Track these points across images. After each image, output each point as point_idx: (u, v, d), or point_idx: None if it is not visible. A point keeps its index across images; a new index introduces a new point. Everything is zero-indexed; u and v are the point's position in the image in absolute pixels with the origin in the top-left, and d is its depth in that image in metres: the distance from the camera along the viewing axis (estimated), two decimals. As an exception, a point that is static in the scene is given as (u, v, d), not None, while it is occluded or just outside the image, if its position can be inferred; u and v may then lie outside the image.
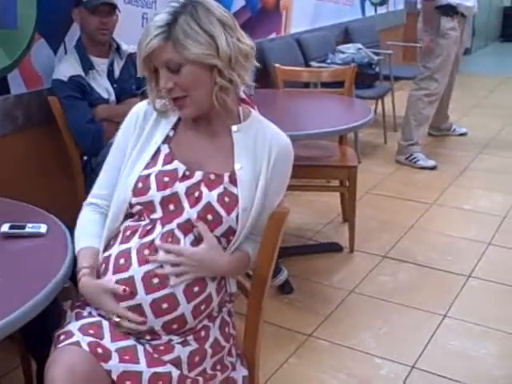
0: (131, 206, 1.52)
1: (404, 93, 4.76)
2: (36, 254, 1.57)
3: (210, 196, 1.48)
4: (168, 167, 1.51)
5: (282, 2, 4.71)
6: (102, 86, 2.77)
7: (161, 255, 1.45)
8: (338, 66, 4.54)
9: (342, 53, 4.88)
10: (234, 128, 1.54)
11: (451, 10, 4.21)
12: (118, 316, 1.45)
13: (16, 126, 2.75)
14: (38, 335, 1.71)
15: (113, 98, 2.79)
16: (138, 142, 1.56)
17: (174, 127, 1.57)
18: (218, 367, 1.52)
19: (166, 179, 1.49)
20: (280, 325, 2.59)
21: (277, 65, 3.59)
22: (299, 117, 3.04)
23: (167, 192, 1.48)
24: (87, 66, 2.73)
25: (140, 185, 1.50)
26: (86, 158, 2.77)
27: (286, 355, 2.41)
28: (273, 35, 4.65)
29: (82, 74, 2.70)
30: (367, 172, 4.17)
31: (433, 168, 4.42)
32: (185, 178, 1.50)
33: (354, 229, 3.22)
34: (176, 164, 1.51)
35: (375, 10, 6.33)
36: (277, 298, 2.79)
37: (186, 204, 1.48)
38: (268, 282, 1.60)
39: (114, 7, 2.73)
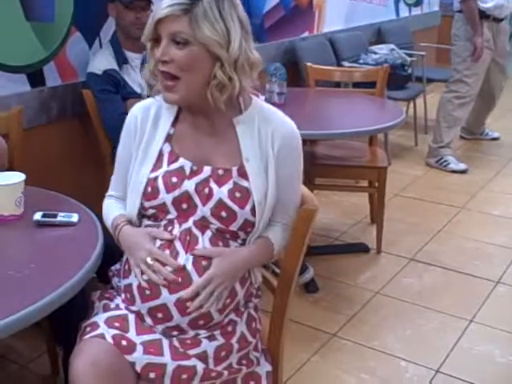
0: (145, 209, 1.52)
1: (436, 95, 4.71)
2: (67, 242, 1.59)
3: (220, 192, 1.46)
4: (174, 166, 1.49)
5: (316, 0, 4.69)
6: (135, 81, 2.80)
7: (198, 301, 1.43)
8: (370, 66, 4.51)
9: (375, 53, 4.84)
10: (236, 120, 1.51)
11: (479, 14, 4.15)
12: (154, 259, 1.44)
13: (50, 117, 2.79)
14: (65, 323, 1.74)
15: (145, 92, 2.81)
16: (141, 143, 1.54)
17: (173, 124, 1.54)
18: (244, 362, 1.53)
19: (174, 179, 1.48)
20: (304, 323, 2.59)
21: (309, 64, 3.58)
22: (330, 116, 3.04)
23: (177, 193, 1.47)
24: (121, 60, 2.76)
25: (149, 189, 1.49)
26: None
27: (309, 353, 2.41)
28: (305, 34, 4.64)
29: (116, 68, 2.73)
30: (397, 174, 4.14)
31: (463, 171, 4.37)
32: (193, 174, 1.48)
33: (381, 230, 3.20)
34: (181, 162, 1.49)
35: (409, 11, 6.27)
36: (301, 297, 2.78)
37: (197, 201, 1.47)
38: (295, 279, 1.61)
39: (149, 2, 2.75)
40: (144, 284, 1.46)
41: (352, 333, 2.55)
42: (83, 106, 2.79)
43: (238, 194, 1.46)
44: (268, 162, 1.49)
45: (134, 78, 2.80)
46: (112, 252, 1.61)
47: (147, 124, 1.55)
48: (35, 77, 2.72)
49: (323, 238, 3.36)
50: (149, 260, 1.45)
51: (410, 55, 4.96)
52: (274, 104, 2.86)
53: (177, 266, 1.44)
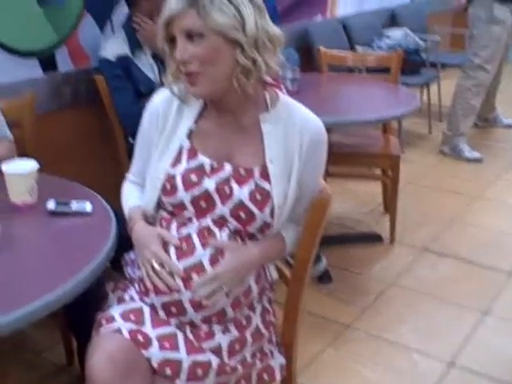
0: (163, 203, 1.48)
1: (451, 81, 4.64)
2: (81, 231, 1.58)
3: (241, 193, 1.42)
4: (193, 164, 1.45)
5: (329, -16, 4.62)
6: (148, 66, 2.76)
7: (202, 291, 1.41)
8: (383, 51, 4.45)
9: (388, 37, 4.77)
10: (262, 117, 1.45)
11: None
12: (160, 264, 1.42)
13: (63, 103, 2.77)
14: (80, 314, 1.71)
15: (157, 76, 2.78)
16: (162, 135, 1.49)
17: (196, 121, 1.49)
18: (258, 355, 1.51)
19: (194, 178, 1.44)
20: (318, 314, 2.56)
21: (321, 48, 3.52)
22: (343, 103, 2.99)
23: (196, 191, 1.43)
24: (134, 45, 2.72)
25: (168, 186, 1.45)
26: (131, 140, 2.76)
27: (323, 345, 2.39)
28: (318, 17, 4.57)
29: (129, 54, 2.70)
30: (410, 162, 4.09)
31: (478, 160, 4.31)
32: (213, 171, 1.44)
33: (395, 220, 3.17)
34: (201, 159, 1.45)
35: (424, -5, 6.16)
36: (315, 288, 2.76)
37: (217, 200, 1.44)
38: (308, 270, 1.58)
39: None
40: (149, 285, 1.44)
41: (366, 324, 2.53)
42: (96, 92, 2.75)
43: (258, 197, 1.42)
44: (292, 164, 1.45)
45: (146, 63, 2.76)
46: (126, 239, 1.59)
47: (169, 117, 1.50)
48: (47, 62, 2.69)
49: (336, 226, 3.33)
50: (154, 263, 1.43)
51: (424, 40, 4.88)
52: (287, 91, 2.87)
53: (180, 272, 1.41)
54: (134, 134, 2.67)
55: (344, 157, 3.09)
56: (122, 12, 2.87)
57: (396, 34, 4.80)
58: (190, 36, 1.34)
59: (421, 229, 3.35)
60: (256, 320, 1.52)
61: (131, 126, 2.68)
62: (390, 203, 3.23)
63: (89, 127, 2.90)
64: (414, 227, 3.36)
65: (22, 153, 2.25)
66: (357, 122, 2.84)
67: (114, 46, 2.70)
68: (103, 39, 2.84)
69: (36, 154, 2.33)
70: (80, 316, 1.68)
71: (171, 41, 1.39)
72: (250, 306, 1.52)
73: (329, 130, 3.29)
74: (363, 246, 3.18)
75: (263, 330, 1.53)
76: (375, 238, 3.23)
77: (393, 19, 5.41)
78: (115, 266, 1.79)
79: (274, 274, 1.58)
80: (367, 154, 3.16)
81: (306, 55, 4.06)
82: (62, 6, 2.70)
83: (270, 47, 1.37)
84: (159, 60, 2.78)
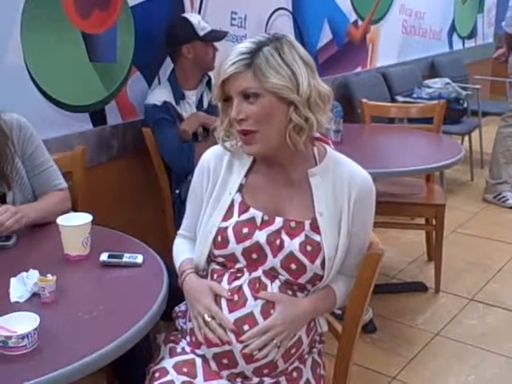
0: (214, 256, 1.51)
1: (492, 128, 4.62)
2: (132, 284, 1.60)
3: (291, 245, 1.44)
4: (244, 217, 1.48)
5: (369, 35, 4.70)
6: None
7: (253, 344, 1.42)
8: (424, 100, 4.47)
9: (429, 87, 4.80)
10: (311, 172, 1.48)
11: None
12: (211, 317, 1.44)
13: (111, 154, 2.85)
14: (128, 366, 1.74)
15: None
16: (214, 190, 1.53)
17: (246, 175, 1.53)
18: (308, 409, 1.50)
19: (245, 230, 1.46)
20: (363, 365, 2.53)
21: (364, 100, 3.57)
22: (387, 154, 3.01)
23: (247, 243, 1.46)
24: (179, 96, 2.82)
25: (219, 238, 1.48)
26: (177, 191, 2.82)
27: (369, 397, 2.35)
28: (358, 69, 4.64)
29: (174, 103, 2.79)
30: (453, 210, 4.05)
31: (522, 208, 4.26)
32: (264, 224, 1.47)
33: (440, 269, 3.13)
34: (252, 212, 1.48)
35: (463, 44, 6.21)
36: (359, 338, 2.70)
37: (268, 252, 1.46)
38: (359, 325, 1.58)
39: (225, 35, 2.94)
40: (200, 337, 1.46)
41: (412, 376, 2.48)
42: (143, 144, 2.84)
43: (309, 248, 1.44)
44: (341, 216, 1.47)
45: (190, 113, 2.84)
46: (176, 291, 1.61)
47: (220, 172, 1.54)
48: (97, 116, 2.79)
49: (380, 275, 3.24)
50: (206, 317, 1.45)
51: (465, 88, 4.90)
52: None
53: (230, 326, 1.43)
54: (182, 171, 2.75)
55: (388, 206, 3.07)
56: (169, 68, 2.97)
57: (437, 84, 4.82)
58: (245, 96, 1.39)
59: (466, 278, 3.30)
60: (307, 373, 1.52)
61: (181, 163, 2.74)
62: (434, 252, 3.20)
63: (135, 177, 2.98)
64: (460, 276, 3.31)
65: (73, 204, 2.34)
66: (402, 172, 2.85)
67: (161, 94, 2.80)
68: (150, 90, 2.94)
69: (86, 205, 2.42)
70: (128, 368, 1.71)
71: (225, 99, 1.44)
72: (301, 358, 1.52)
73: (371, 178, 3.32)
74: (408, 295, 3.14)
75: (313, 384, 1.53)
76: (420, 288, 3.19)
77: (432, 69, 5.46)
78: (166, 318, 1.82)
79: (325, 327, 1.58)
80: (411, 204, 3.14)
81: (347, 105, 4.11)
82: (113, 63, 2.81)
83: (320, 105, 1.41)
84: (201, 110, 2.87)
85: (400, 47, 5.12)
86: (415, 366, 2.56)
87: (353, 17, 4.47)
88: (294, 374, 1.49)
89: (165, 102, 2.76)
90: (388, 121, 3.98)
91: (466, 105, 4.80)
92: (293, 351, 1.47)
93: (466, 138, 4.95)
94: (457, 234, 3.84)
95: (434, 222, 3.14)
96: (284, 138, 1.41)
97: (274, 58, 1.38)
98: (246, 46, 1.41)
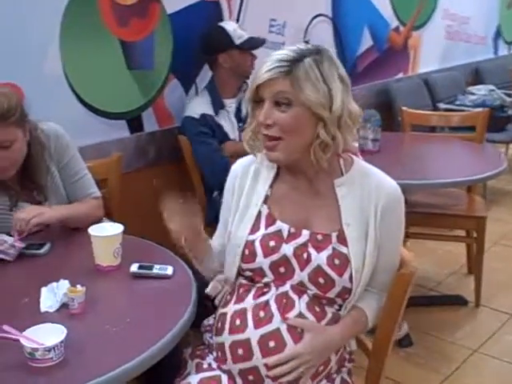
0: (242, 270, 1.49)
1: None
2: (161, 296, 1.60)
3: (319, 258, 1.42)
4: (271, 229, 1.46)
5: (411, 41, 4.62)
6: (230, 125, 2.83)
7: (280, 370, 1.39)
8: (467, 108, 4.38)
9: (473, 94, 4.70)
10: (337, 182, 1.46)
11: None
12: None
13: (147, 161, 2.87)
14: (156, 380, 1.73)
15: (236, 135, 2.83)
16: (239, 203, 1.52)
17: (271, 185, 1.52)
18: (336, 429, 1.47)
19: (272, 243, 1.45)
20: (397, 380, 2.47)
21: (404, 108, 3.50)
22: (427, 164, 2.93)
23: (275, 257, 1.44)
24: (218, 106, 2.80)
25: (247, 252, 1.47)
26: (213, 195, 2.81)
27: (402, 415, 2.30)
28: (400, 75, 4.57)
29: (213, 114, 2.77)
30: (496, 221, 3.93)
31: None
32: (291, 237, 1.45)
33: (480, 282, 3.04)
34: (279, 225, 1.46)
35: (509, 49, 6.06)
36: (393, 351, 2.60)
37: (296, 266, 1.44)
38: (391, 343, 1.54)
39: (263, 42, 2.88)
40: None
41: (449, 394, 2.42)
42: (178, 150, 2.84)
43: (336, 261, 1.42)
44: (368, 226, 1.44)
45: (229, 122, 2.83)
46: (205, 303, 1.60)
47: (246, 183, 1.53)
48: (134, 123, 2.81)
49: (417, 287, 3.22)
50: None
51: (510, 95, 4.77)
52: (367, 151, 2.87)
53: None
54: (217, 187, 2.75)
55: (427, 217, 3.01)
56: (206, 75, 2.97)
57: (480, 91, 4.71)
58: (277, 102, 1.38)
59: (508, 292, 3.20)
60: (334, 393, 1.49)
61: (216, 179, 2.74)
62: (475, 265, 3.12)
63: (170, 184, 2.97)
64: (501, 291, 3.21)
65: (108, 211, 2.36)
66: (442, 184, 2.76)
67: (199, 106, 2.79)
68: (187, 100, 2.94)
69: (121, 211, 2.43)
70: (156, 381, 1.70)
71: (257, 101, 1.42)
72: (329, 377, 1.49)
73: (409, 189, 3.25)
74: (446, 308, 3.07)
75: (342, 404, 1.49)
76: (459, 301, 3.11)
77: (476, 75, 5.34)
78: (193, 327, 1.81)
79: (353, 346, 1.54)
80: (451, 215, 3.06)
81: (387, 113, 4.05)
82: (151, 70, 2.82)
83: (350, 124, 1.40)
84: (239, 118, 2.86)
85: (443, 53, 5.02)
86: (452, 383, 2.49)
87: (394, 22, 4.40)
88: (321, 394, 1.46)
89: (203, 115, 2.75)
90: (429, 129, 3.90)
91: (510, 112, 4.67)
92: (320, 369, 1.44)
93: (511, 145, 4.81)
94: (499, 246, 3.73)
95: (474, 235, 3.06)
96: (308, 151, 1.39)
97: (313, 71, 1.36)
98: (285, 53, 1.39)
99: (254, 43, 2.82)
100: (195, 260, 1.53)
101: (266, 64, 1.39)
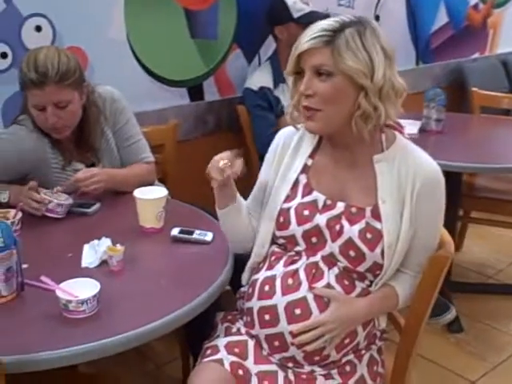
0: (276, 237, 1.51)
1: None
2: (198, 260, 1.63)
3: (351, 231, 1.41)
4: (307, 199, 1.47)
5: (491, 19, 4.42)
6: (288, 98, 2.81)
7: (305, 337, 1.40)
8: (548, 91, 4.16)
9: (555, 77, 4.45)
10: (376, 158, 1.45)
11: None
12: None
13: (206, 129, 2.90)
14: (197, 334, 1.77)
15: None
16: (279, 171, 1.53)
17: (312, 155, 1.52)
18: (361, 406, 1.47)
19: (306, 212, 1.45)
20: (442, 364, 2.43)
21: (474, 88, 3.36)
22: (491, 147, 2.81)
23: (307, 226, 1.45)
24: (279, 79, 2.78)
25: (281, 219, 1.48)
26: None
27: (443, 400, 2.26)
28: (476, 55, 4.39)
29: (271, 87, 2.76)
30: None
31: None
32: (325, 208, 1.45)
33: (542, 274, 2.93)
34: (315, 195, 1.47)
35: None
36: (443, 336, 2.62)
37: (327, 236, 1.44)
38: (422, 327, 1.52)
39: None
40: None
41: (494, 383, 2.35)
42: (237, 120, 2.85)
43: (368, 236, 1.41)
44: (404, 205, 1.42)
45: (287, 97, 2.81)
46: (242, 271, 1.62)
47: (287, 151, 1.54)
48: (195, 91, 2.84)
49: (475, 274, 3.14)
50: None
51: None
52: (430, 131, 2.80)
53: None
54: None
55: (491, 203, 2.91)
56: (270, 46, 2.95)
57: None
58: (318, 72, 1.37)
59: None
60: (362, 369, 1.48)
61: (265, 154, 2.75)
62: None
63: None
64: None
65: (164, 176, 2.41)
66: (505, 169, 2.66)
67: (259, 78, 2.79)
68: (250, 71, 2.94)
69: (175, 178, 2.48)
70: (197, 336, 1.74)
71: (299, 73, 1.42)
72: (357, 353, 1.49)
73: (475, 173, 3.12)
74: (504, 297, 2.96)
75: (369, 381, 1.48)
76: (518, 291, 3.01)
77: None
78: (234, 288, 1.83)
79: (383, 324, 1.53)
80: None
81: (459, 94, 3.91)
82: (214, 40, 2.84)
83: (392, 97, 1.38)
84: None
85: (526, 33, 4.78)
86: (498, 373, 2.42)
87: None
88: (347, 368, 1.46)
89: (261, 88, 2.74)
90: (504, 113, 3.73)
91: None
92: (346, 341, 1.44)
93: None
94: None
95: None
96: (349, 122, 1.38)
97: (354, 40, 1.35)
98: (328, 23, 1.38)
99: (313, 18, 2.73)
100: (218, 200, 1.55)
101: (308, 33, 1.38)
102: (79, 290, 1.37)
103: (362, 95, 1.36)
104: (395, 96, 1.38)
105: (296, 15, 2.72)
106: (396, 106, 1.40)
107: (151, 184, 2.06)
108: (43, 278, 1.42)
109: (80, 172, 1.92)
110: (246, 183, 2.82)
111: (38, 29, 2.30)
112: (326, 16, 2.77)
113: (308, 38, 1.37)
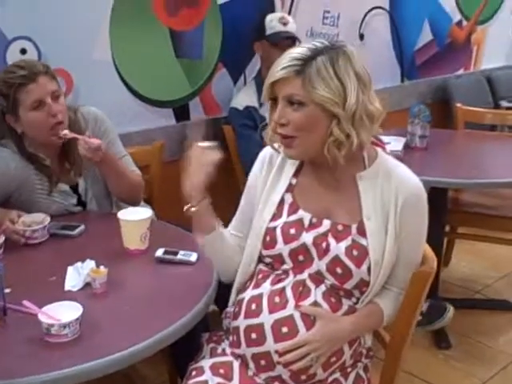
0: (262, 256, 1.51)
1: None
2: (182, 282, 1.63)
3: (337, 248, 1.42)
4: (293, 218, 1.48)
5: (475, 36, 4.48)
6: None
7: (291, 356, 1.40)
8: (532, 106, 4.20)
9: (538, 93, 4.51)
10: (359, 176, 1.46)
11: None
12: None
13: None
14: (184, 357, 1.76)
15: None
16: (264, 189, 1.54)
17: (296, 175, 1.53)
18: (347, 425, 1.46)
19: (293, 231, 1.46)
20: (431, 382, 2.43)
21: (458, 104, 3.40)
22: (475, 162, 2.83)
23: (294, 244, 1.46)
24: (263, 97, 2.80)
25: (268, 238, 1.49)
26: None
27: (431, 417, 2.25)
28: (460, 71, 4.44)
29: (257, 106, 2.78)
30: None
31: None
32: (311, 226, 1.46)
33: (530, 288, 2.94)
34: (301, 214, 1.48)
35: None
36: (431, 351, 2.62)
37: (314, 254, 1.45)
38: (407, 343, 1.52)
39: (294, 41, 2.78)
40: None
41: (484, 400, 2.36)
42: (223, 141, 2.86)
43: (355, 252, 1.42)
44: (388, 220, 1.44)
45: None
46: (228, 292, 1.62)
47: (272, 170, 1.55)
48: (181, 111, 2.85)
49: (462, 289, 3.15)
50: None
51: None
52: (415, 148, 2.81)
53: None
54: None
55: (477, 218, 2.92)
56: (255, 65, 2.98)
57: (546, 88, 4.52)
58: (290, 102, 1.38)
59: (560, 301, 3.07)
60: (347, 387, 1.48)
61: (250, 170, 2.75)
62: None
63: (213, 174, 3.00)
64: (552, 298, 3.09)
65: (149, 197, 2.40)
66: (490, 184, 2.66)
67: (244, 97, 2.81)
68: (235, 91, 2.96)
69: (162, 198, 2.48)
70: (183, 359, 1.72)
71: (274, 99, 1.43)
72: (343, 371, 1.48)
73: (460, 189, 3.12)
74: (491, 313, 2.97)
75: (355, 400, 1.48)
76: (505, 306, 3.01)
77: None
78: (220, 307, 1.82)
79: (368, 342, 1.53)
80: (502, 217, 2.95)
81: (444, 110, 3.95)
82: (200, 59, 2.85)
83: (366, 123, 1.39)
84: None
85: (509, 49, 4.83)
86: (489, 389, 2.42)
87: (457, 17, 4.26)
88: (333, 386, 1.46)
89: (247, 107, 2.77)
90: (489, 128, 3.76)
91: None
92: (332, 360, 1.44)
93: None
94: (554, 252, 3.58)
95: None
96: (324, 148, 1.39)
97: (326, 68, 1.36)
98: (300, 51, 1.39)
99: (279, 38, 2.75)
100: (196, 229, 1.56)
101: (280, 62, 1.39)
102: (62, 313, 1.36)
103: (334, 123, 1.37)
104: (369, 121, 1.39)
105: (267, 32, 2.75)
106: (371, 131, 1.41)
107: (137, 200, 2.06)
108: (25, 303, 1.42)
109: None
110: (231, 201, 2.83)
111: (23, 51, 2.31)
112: (293, 38, 2.77)
113: (280, 67, 1.38)
